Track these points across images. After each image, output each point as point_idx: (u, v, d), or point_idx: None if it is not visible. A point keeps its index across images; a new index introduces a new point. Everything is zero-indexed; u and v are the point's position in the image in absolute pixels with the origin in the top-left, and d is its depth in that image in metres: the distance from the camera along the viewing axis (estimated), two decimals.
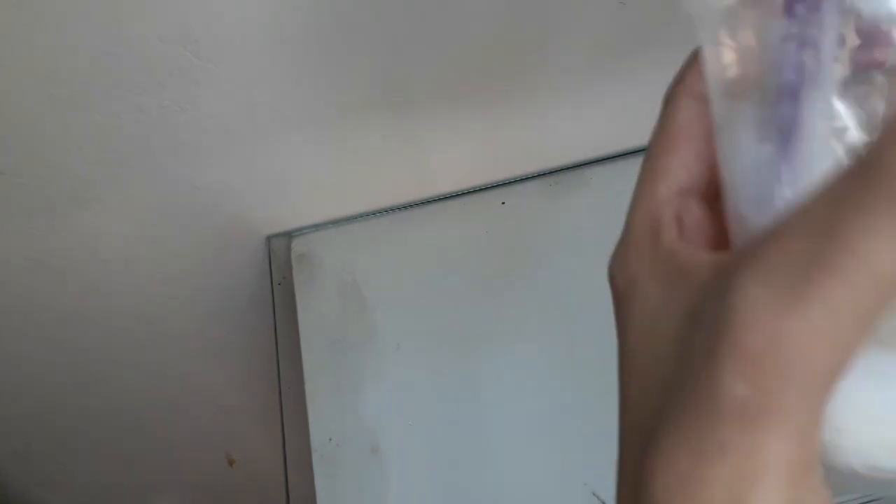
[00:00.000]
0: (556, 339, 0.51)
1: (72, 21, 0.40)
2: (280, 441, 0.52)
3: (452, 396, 0.49)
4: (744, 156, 0.16)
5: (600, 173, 0.62)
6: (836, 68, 0.16)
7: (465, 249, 0.57)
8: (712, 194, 0.18)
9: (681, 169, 0.18)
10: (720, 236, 0.18)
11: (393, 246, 0.58)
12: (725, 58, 0.17)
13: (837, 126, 0.16)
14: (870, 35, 0.16)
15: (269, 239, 0.60)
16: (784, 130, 0.16)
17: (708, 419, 0.14)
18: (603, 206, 0.60)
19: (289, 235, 0.60)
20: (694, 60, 0.19)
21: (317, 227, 0.60)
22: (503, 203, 0.61)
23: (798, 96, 0.15)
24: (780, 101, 0.16)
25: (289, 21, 0.44)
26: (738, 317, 0.13)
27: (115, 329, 0.64)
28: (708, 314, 0.15)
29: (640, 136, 0.62)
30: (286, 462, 0.51)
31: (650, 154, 0.19)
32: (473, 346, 0.52)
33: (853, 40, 0.16)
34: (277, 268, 0.60)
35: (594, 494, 0.45)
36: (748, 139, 0.16)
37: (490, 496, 0.45)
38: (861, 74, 0.16)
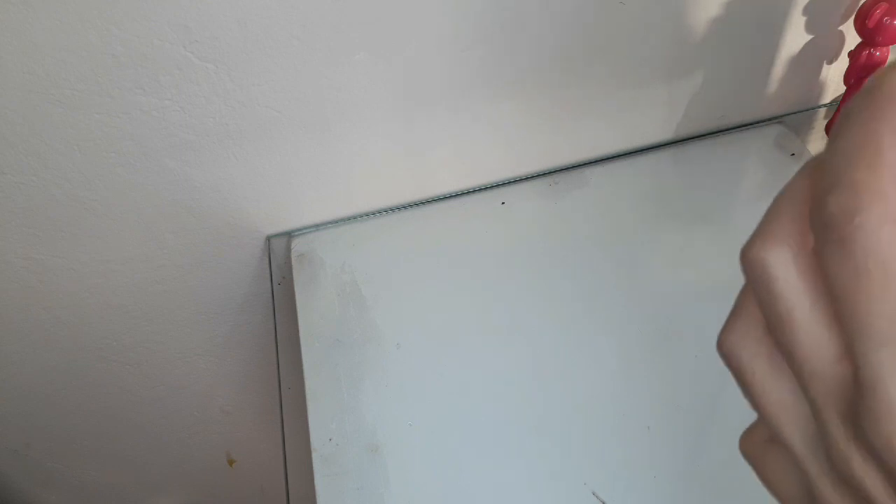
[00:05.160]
0: (556, 339, 0.51)
1: (71, 21, 0.40)
2: (280, 441, 0.52)
3: (452, 396, 0.49)
4: None
5: (600, 173, 0.62)
6: None
7: (465, 249, 0.57)
8: None
9: None
10: None
11: (393, 246, 0.58)
12: None
13: None
14: None
15: (269, 239, 0.60)
16: None
17: None
18: (603, 206, 0.60)
19: (289, 235, 0.60)
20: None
21: (317, 227, 0.60)
22: (503, 203, 0.61)
23: None
24: None
25: (289, 21, 0.44)
26: None
27: (114, 329, 0.64)
28: None
29: (640, 136, 0.62)
30: (286, 462, 0.51)
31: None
32: (473, 346, 0.52)
33: None
34: (277, 268, 0.60)
35: (594, 494, 0.45)
36: None
37: (490, 496, 0.45)
38: None
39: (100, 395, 0.72)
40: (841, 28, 0.60)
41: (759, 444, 0.20)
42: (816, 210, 0.16)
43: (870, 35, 0.56)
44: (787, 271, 0.17)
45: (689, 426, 0.47)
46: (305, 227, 0.60)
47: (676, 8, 0.53)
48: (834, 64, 0.63)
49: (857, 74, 0.59)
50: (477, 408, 0.49)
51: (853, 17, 0.57)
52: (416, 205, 0.61)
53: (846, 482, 0.17)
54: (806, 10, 0.57)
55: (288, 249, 0.59)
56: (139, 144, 0.48)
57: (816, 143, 0.65)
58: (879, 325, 0.15)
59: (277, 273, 0.59)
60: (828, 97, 0.67)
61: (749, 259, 0.18)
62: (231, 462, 0.91)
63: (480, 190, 0.62)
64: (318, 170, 0.55)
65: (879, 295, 0.15)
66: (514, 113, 0.56)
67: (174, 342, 0.68)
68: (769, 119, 0.66)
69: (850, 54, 0.59)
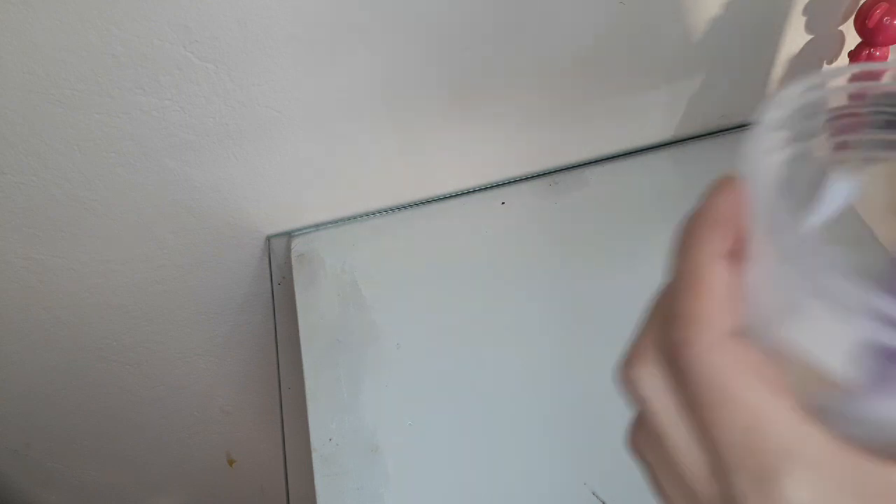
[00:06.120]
0: (556, 339, 0.51)
1: (71, 21, 0.40)
2: (280, 441, 0.52)
3: (452, 396, 0.49)
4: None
5: (600, 173, 0.62)
6: None
7: (465, 249, 0.57)
8: None
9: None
10: None
11: (393, 246, 0.58)
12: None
13: None
14: None
15: (269, 239, 0.60)
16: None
17: None
18: (603, 206, 0.60)
19: (289, 235, 0.60)
20: (714, 217, 0.18)
21: (317, 227, 0.60)
22: (503, 203, 0.61)
23: None
24: None
25: (288, 22, 0.44)
26: None
27: (114, 329, 0.64)
28: None
29: (640, 136, 0.62)
30: (286, 462, 0.51)
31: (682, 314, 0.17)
32: (473, 346, 0.52)
33: None
34: (277, 268, 0.60)
35: (594, 494, 0.45)
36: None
37: (490, 496, 0.45)
38: None
39: (100, 395, 0.72)
40: (841, 28, 0.60)
41: None
42: (660, 341, 0.17)
43: (870, 35, 0.56)
44: (655, 392, 0.17)
45: None
46: (305, 227, 0.60)
47: (676, 8, 0.53)
48: (834, 64, 0.63)
49: None
50: (477, 408, 0.49)
51: (853, 17, 0.57)
52: (416, 205, 0.61)
53: None
54: (806, 10, 0.57)
55: (288, 249, 0.59)
56: (139, 144, 0.48)
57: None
58: (729, 453, 0.15)
59: (277, 273, 0.59)
60: None
61: (622, 379, 0.19)
62: (231, 462, 0.91)
63: (480, 190, 0.62)
64: (318, 170, 0.55)
65: (721, 423, 0.15)
66: (514, 113, 0.56)
67: (174, 342, 0.68)
68: None
69: (850, 54, 0.59)
